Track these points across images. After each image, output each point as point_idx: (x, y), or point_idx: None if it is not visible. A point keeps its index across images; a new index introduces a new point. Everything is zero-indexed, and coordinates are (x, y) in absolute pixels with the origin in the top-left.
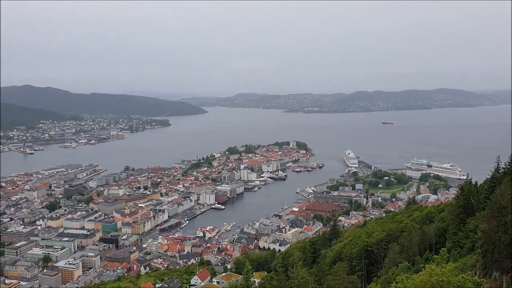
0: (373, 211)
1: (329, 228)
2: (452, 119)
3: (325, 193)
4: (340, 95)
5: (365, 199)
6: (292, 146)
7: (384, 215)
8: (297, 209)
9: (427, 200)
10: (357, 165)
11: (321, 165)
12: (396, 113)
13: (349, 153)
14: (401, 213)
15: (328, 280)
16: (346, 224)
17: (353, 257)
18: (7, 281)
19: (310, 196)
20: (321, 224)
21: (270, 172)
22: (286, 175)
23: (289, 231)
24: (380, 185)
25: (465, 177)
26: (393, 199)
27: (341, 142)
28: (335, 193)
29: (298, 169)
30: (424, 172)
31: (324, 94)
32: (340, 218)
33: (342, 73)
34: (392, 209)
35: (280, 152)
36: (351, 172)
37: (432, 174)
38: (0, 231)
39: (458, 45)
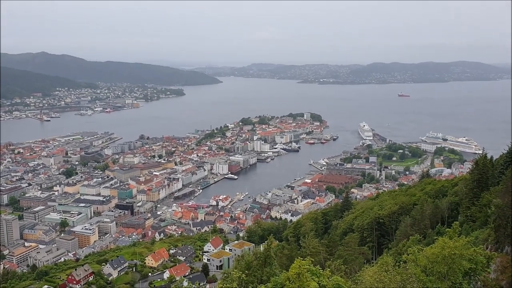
0: (386, 184)
1: (341, 200)
2: (470, 92)
3: (338, 165)
4: (356, 66)
5: (378, 171)
6: (306, 117)
7: (397, 188)
8: (309, 181)
9: (441, 174)
10: (371, 138)
11: (335, 137)
12: (413, 85)
13: (364, 126)
14: (414, 186)
15: (339, 250)
16: (358, 196)
17: (364, 228)
18: (26, 243)
19: (323, 168)
20: (334, 196)
21: (283, 144)
22: (299, 147)
23: (301, 202)
24: (394, 158)
25: (480, 152)
26: (407, 172)
27: (356, 114)
28: (349, 165)
29: (312, 141)
30: (439, 145)
31: (340, 65)
32: (352, 190)
33: (359, 43)
34: (406, 182)
35: (294, 124)
36: (365, 144)
37: (447, 148)
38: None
39: (478, 17)
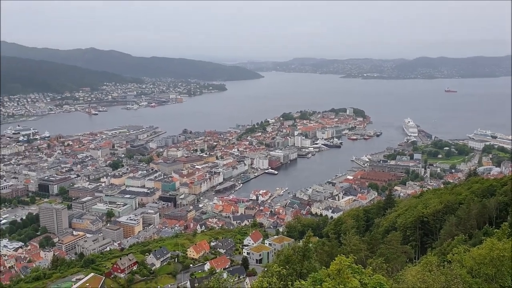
0: (431, 182)
1: (384, 197)
2: None
3: (381, 162)
4: (401, 61)
5: (423, 169)
6: (349, 113)
7: (442, 186)
8: (351, 177)
9: (489, 173)
10: (416, 134)
11: (378, 133)
12: (461, 80)
13: (409, 122)
14: (460, 185)
15: (380, 248)
16: (402, 194)
17: (407, 227)
18: (74, 232)
19: (365, 164)
20: (376, 193)
21: (325, 139)
22: (341, 143)
23: (342, 198)
24: (440, 156)
25: None
26: (453, 170)
27: (401, 110)
28: (392, 162)
29: (354, 137)
30: (487, 143)
31: (385, 59)
32: (396, 187)
33: (404, 37)
34: (451, 181)
35: (336, 119)
36: (410, 141)
37: (496, 146)
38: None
39: None
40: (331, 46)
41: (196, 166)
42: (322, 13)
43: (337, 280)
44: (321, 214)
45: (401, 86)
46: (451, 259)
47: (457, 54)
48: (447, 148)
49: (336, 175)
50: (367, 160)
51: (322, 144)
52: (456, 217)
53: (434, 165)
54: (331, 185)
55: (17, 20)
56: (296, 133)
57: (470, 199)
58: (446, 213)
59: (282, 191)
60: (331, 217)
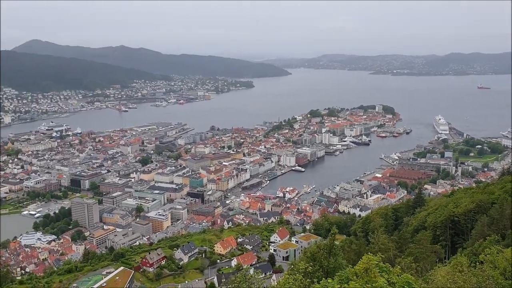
0: (462, 181)
1: (413, 196)
2: None
3: (411, 160)
4: (432, 57)
5: (454, 167)
6: (378, 110)
7: (474, 185)
8: (380, 175)
9: None
10: (447, 132)
11: (408, 131)
12: (494, 77)
13: (440, 119)
14: (493, 184)
15: (409, 247)
16: (432, 193)
17: (437, 226)
18: (105, 226)
19: (395, 162)
20: (405, 191)
21: (353, 137)
22: (370, 140)
23: (370, 197)
24: (472, 154)
25: None
26: (485, 169)
27: (432, 107)
28: (422, 160)
29: (384, 134)
30: None
31: (415, 55)
32: (426, 186)
33: (436, 33)
34: (484, 180)
35: (365, 116)
36: (440, 139)
37: None
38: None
39: None
40: (361, 42)
41: (224, 163)
42: (354, 8)
43: (364, 279)
44: (348, 212)
45: (432, 82)
46: (483, 260)
47: (491, 49)
48: (479, 146)
49: (365, 173)
50: (396, 158)
51: (350, 142)
52: (489, 217)
53: (466, 164)
54: (359, 183)
55: (49, 19)
56: (323, 130)
57: (503, 198)
58: (478, 213)
59: (309, 189)
60: (359, 216)
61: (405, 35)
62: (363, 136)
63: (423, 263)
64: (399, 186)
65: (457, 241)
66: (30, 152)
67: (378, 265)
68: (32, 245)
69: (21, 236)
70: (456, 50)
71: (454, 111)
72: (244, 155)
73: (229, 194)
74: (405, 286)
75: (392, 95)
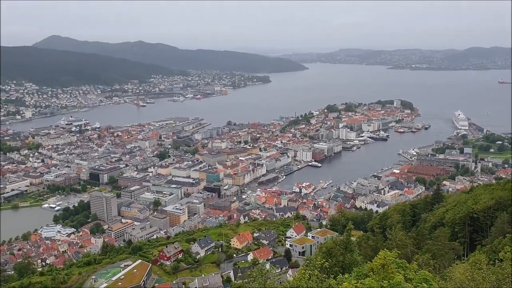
0: (481, 177)
1: (431, 192)
2: None
3: (429, 155)
4: (452, 51)
5: (473, 163)
6: (396, 105)
7: (494, 181)
8: (398, 171)
9: None
10: (467, 127)
11: (427, 126)
12: None
13: (459, 114)
14: None
15: (427, 244)
16: (450, 189)
17: (456, 223)
18: (123, 220)
19: (413, 158)
20: (423, 187)
21: (371, 132)
22: (388, 136)
23: (388, 192)
24: (492, 150)
25: None
26: (505, 165)
27: (451, 102)
28: (441, 156)
29: (402, 130)
30: None
31: (434, 49)
32: (444, 182)
33: (455, 26)
34: (504, 176)
35: (383, 111)
36: (460, 134)
37: None
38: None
39: None
40: (378, 37)
41: (240, 158)
42: (371, 2)
43: (381, 275)
44: (365, 208)
45: (452, 77)
46: (503, 257)
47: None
48: (499, 142)
49: (382, 169)
50: (415, 153)
51: (367, 137)
52: (509, 214)
53: (486, 160)
54: (376, 178)
55: (69, 15)
56: (341, 125)
57: None
58: (497, 210)
59: (326, 184)
60: (376, 211)
61: (423, 29)
62: (381, 132)
63: (441, 260)
64: (417, 182)
65: (476, 238)
66: (50, 146)
67: (395, 261)
68: (52, 238)
69: (41, 229)
70: (476, 44)
71: (474, 106)
72: (260, 150)
73: (245, 189)
74: (423, 283)
75: (410, 90)
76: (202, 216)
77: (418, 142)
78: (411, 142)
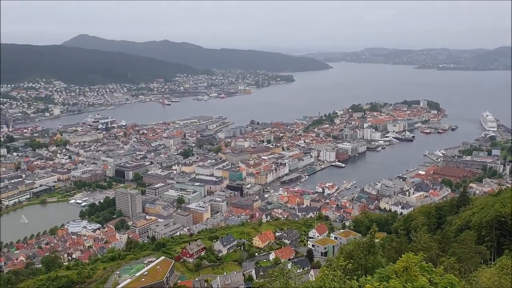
0: (510, 180)
1: (458, 195)
2: None
3: (456, 157)
4: (480, 51)
5: (502, 166)
6: (422, 105)
7: None
8: (423, 173)
9: None
10: (495, 129)
11: (454, 127)
12: None
13: (487, 115)
14: None
15: (453, 247)
16: (477, 192)
17: (483, 226)
18: (147, 217)
19: (439, 159)
20: (449, 189)
21: (396, 132)
22: (413, 136)
23: (413, 194)
24: None
25: None
26: None
27: (479, 103)
28: (468, 158)
29: (428, 130)
30: None
31: (462, 49)
32: (471, 184)
33: (483, 26)
34: None
35: (409, 112)
36: (488, 136)
37: None
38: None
39: None
40: (405, 36)
41: (263, 157)
42: (399, 1)
43: (404, 277)
44: (390, 210)
45: (480, 77)
46: None
47: None
48: None
49: (407, 170)
50: (441, 155)
51: (393, 137)
52: None
53: None
54: (401, 180)
55: (97, 15)
56: (365, 125)
57: None
58: None
59: (349, 185)
60: (401, 213)
61: (451, 28)
62: (407, 132)
63: (466, 264)
64: (443, 184)
65: (504, 242)
66: (77, 143)
67: (418, 264)
68: (78, 233)
69: (68, 224)
70: (506, 44)
71: (503, 107)
72: (283, 149)
73: (267, 188)
74: (448, 287)
75: (437, 90)
76: (224, 214)
77: (444, 143)
78: (437, 143)
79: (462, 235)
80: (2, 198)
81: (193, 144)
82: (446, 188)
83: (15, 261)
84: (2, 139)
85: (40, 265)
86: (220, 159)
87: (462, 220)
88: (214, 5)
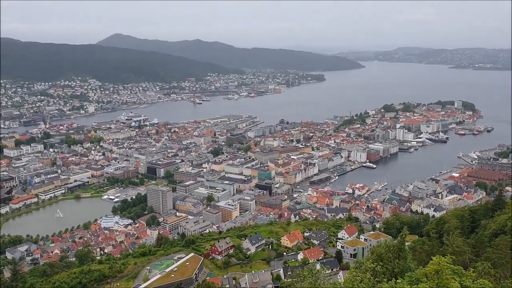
0: None
1: (493, 198)
2: None
3: (492, 159)
4: None
5: None
6: (457, 106)
7: None
8: (457, 175)
9: None
10: None
11: (489, 129)
12: None
13: None
14: None
15: (487, 252)
16: None
17: None
18: (177, 213)
19: (473, 162)
20: (484, 193)
21: (429, 133)
22: (447, 137)
23: (446, 197)
24: None
25: None
26: None
27: None
28: (504, 160)
29: (462, 132)
30: None
31: (500, 48)
32: (507, 188)
33: None
34: None
35: (443, 112)
36: None
37: None
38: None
39: None
40: (438, 35)
41: (292, 157)
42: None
43: (435, 281)
44: (422, 212)
45: None
46: None
47: None
48: None
49: (441, 172)
50: (476, 157)
51: (426, 138)
52: None
53: None
54: (434, 182)
55: (131, 14)
56: (398, 126)
57: None
58: None
59: (380, 186)
60: (433, 216)
61: (488, 27)
62: (440, 133)
63: (501, 270)
64: (477, 187)
65: None
66: (110, 140)
67: (451, 268)
68: (111, 228)
69: (101, 219)
70: None
71: None
72: (312, 149)
73: (296, 187)
74: None
75: (473, 91)
76: (253, 213)
77: (479, 145)
78: (472, 145)
79: (497, 240)
80: (39, 193)
81: (223, 143)
82: (480, 191)
83: (51, 254)
84: (39, 136)
85: (73, 259)
86: (249, 158)
87: (497, 224)
88: (246, 4)
